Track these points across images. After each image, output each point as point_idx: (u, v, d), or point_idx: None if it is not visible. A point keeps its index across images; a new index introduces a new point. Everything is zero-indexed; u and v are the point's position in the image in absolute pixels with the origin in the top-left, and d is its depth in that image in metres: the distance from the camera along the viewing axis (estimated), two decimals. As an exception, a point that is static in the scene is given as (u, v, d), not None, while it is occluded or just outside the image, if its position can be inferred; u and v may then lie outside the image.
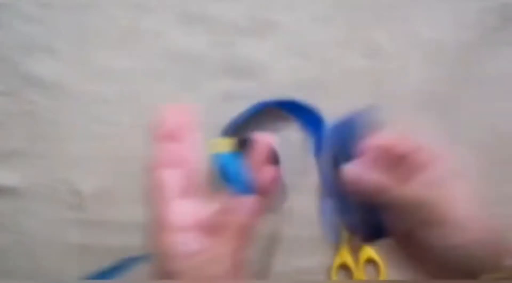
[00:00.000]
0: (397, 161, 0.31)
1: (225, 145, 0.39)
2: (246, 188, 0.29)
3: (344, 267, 0.50)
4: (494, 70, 0.51)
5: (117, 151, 0.51)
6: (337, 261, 0.49)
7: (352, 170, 0.30)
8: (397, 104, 0.50)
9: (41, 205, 0.50)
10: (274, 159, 0.31)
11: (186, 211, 0.27)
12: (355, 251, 0.49)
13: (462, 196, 0.28)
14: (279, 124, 0.50)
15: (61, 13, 0.51)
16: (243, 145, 0.45)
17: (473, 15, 0.51)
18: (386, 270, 0.49)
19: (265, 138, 0.31)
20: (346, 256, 0.49)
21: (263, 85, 0.50)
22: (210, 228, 0.27)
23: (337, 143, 0.31)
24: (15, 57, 0.51)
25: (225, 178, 0.30)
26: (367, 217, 0.30)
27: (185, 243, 0.26)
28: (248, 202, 0.28)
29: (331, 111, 0.50)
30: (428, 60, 0.51)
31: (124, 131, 0.51)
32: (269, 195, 0.30)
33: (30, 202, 0.50)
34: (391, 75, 0.51)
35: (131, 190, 0.50)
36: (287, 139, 0.50)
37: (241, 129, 0.49)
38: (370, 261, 0.49)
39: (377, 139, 0.31)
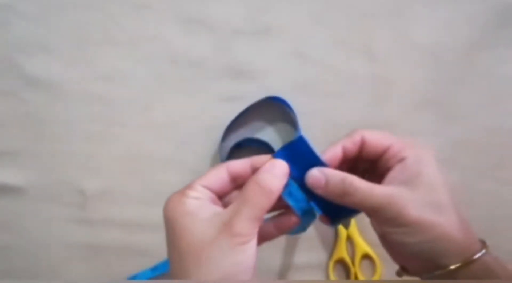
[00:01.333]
0: (372, 160, 0.32)
1: None
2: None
3: (341, 263, 0.51)
4: (494, 71, 0.51)
5: (118, 151, 0.51)
6: (334, 257, 0.50)
7: (318, 172, 0.30)
8: (396, 106, 0.51)
9: (44, 204, 0.51)
10: None
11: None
12: (351, 247, 0.50)
13: (436, 184, 0.29)
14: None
15: (60, 13, 0.51)
16: None
17: (472, 16, 0.51)
18: (381, 266, 0.50)
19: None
20: (342, 252, 0.50)
21: (263, 88, 0.51)
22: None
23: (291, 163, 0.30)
24: (14, 57, 0.51)
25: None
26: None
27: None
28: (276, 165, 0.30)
29: (330, 114, 0.51)
30: (427, 62, 0.51)
31: (125, 131, 0.51)
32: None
33: (33, 201, 0.51)
34: (390, 77, 0.51)
35: (134, 190, 0.51)
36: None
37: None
38: (366, 257, 0.50)
39: (349, 140, 0.32)
